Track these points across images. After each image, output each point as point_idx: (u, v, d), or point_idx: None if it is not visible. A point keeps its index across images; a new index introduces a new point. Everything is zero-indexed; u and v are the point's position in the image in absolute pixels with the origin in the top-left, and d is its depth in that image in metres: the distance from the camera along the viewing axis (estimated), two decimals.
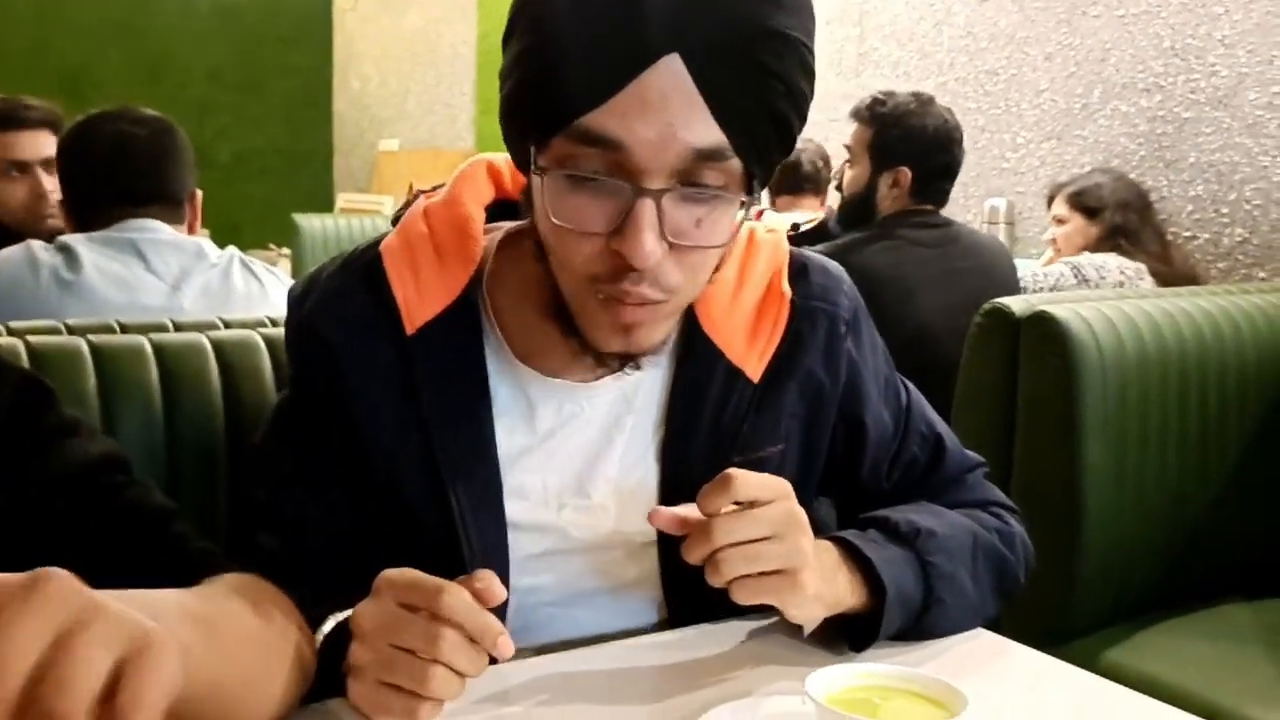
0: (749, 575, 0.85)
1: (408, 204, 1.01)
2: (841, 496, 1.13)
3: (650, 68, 0.78)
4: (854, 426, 1.08)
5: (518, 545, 0.97)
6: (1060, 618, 1.77)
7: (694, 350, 1.00)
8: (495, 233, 1.00)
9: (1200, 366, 1.87)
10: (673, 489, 0.99)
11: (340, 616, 0.84)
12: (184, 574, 0.79)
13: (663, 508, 0.89)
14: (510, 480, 0.97)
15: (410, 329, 0.94)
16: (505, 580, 0.88)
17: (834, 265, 1.09)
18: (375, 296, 0.94)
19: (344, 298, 0.96)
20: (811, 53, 0.85)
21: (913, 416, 1.12)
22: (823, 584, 0.90)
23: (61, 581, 0.49)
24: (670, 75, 0.78)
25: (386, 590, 0.76)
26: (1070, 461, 1.74)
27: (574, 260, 0.85)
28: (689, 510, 0.87)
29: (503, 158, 1.01)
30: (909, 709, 0.82)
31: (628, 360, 0.94)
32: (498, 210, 1.01)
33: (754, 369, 1.01)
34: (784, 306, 1.01)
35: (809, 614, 0.91)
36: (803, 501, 0.90)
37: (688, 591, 0.98)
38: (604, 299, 0.86)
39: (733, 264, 1.00)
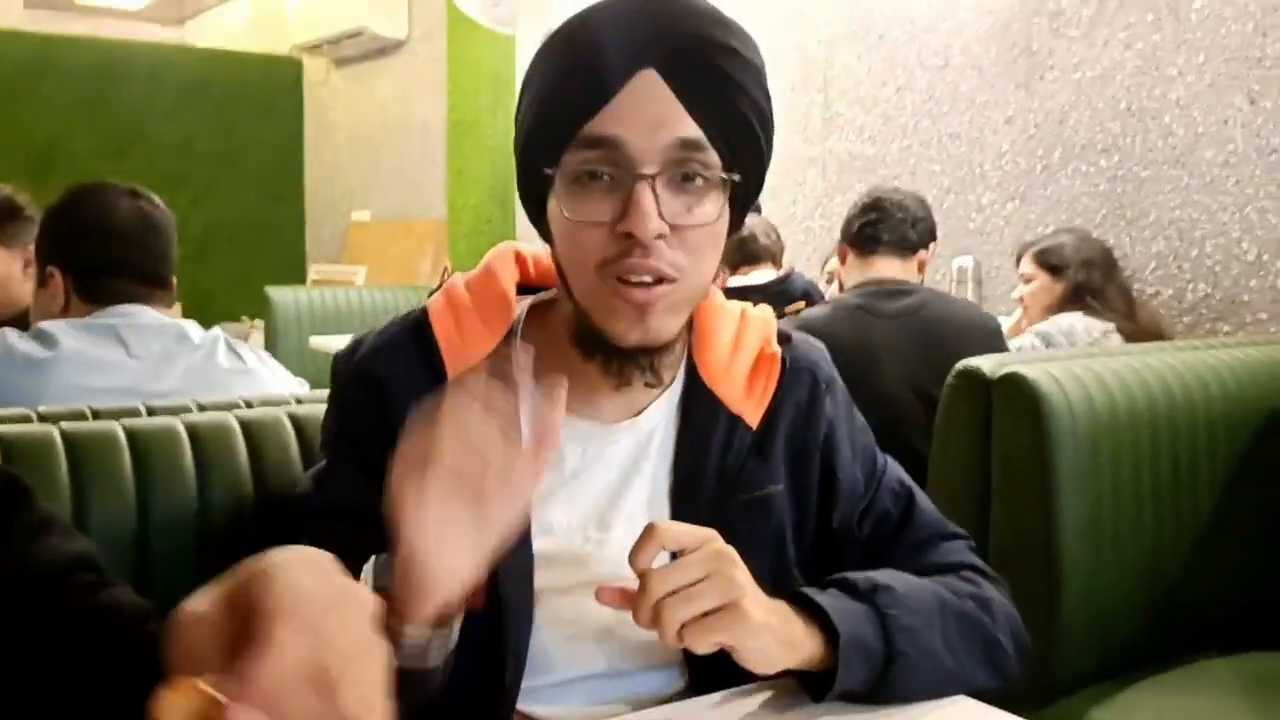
0: (694, 619, 0.90)
1: (441, 283, 1.13)
2: (815, 547, 1.16)
3: (632, 78, 0.97)
4: (827, 475, 1.16)
5: (543, 579, 1.04)
6: (1043, 677, 1.77)
7: (697, 400, 1.11)
8: (525, 300, 1.13)
9: (1170, 422, 1.89)
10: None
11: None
12: (161, 672, 0.77)
13: (605, 586, 0.93)
14: (538, 517, 1.05)
15: (452, 375, 1.04)
16: (529, 613, 1.02)
17: (814, 339, 1.22)
18: (421, 348, 1.06)
19: (393, 347, 1.07)
20: (763, 73, 1.03)
21: (887, 476, 1.20)
22: (771, 615, 0.94)
23: None
24: (650, 83, 0.97)
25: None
26: (1046, 520, 1.75)
27: (587, 251, 0.98)
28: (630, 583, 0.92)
29: (528, 248, 1.15)
30: None
31: (647, 364, 1.04)
32: (523, 292, 1.14)
33: (752, 416, 1.11)
34: (775, 363, 1.13)
35: (767, 653, 0.94)
36: (799, 542, 1.09)
37: None
38: (617, 283, 0.98)
39: (728, 330, 1.13)
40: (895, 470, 1.21)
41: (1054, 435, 1.76)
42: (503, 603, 1.00)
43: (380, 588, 0.82)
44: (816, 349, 1.20)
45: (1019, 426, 1.79)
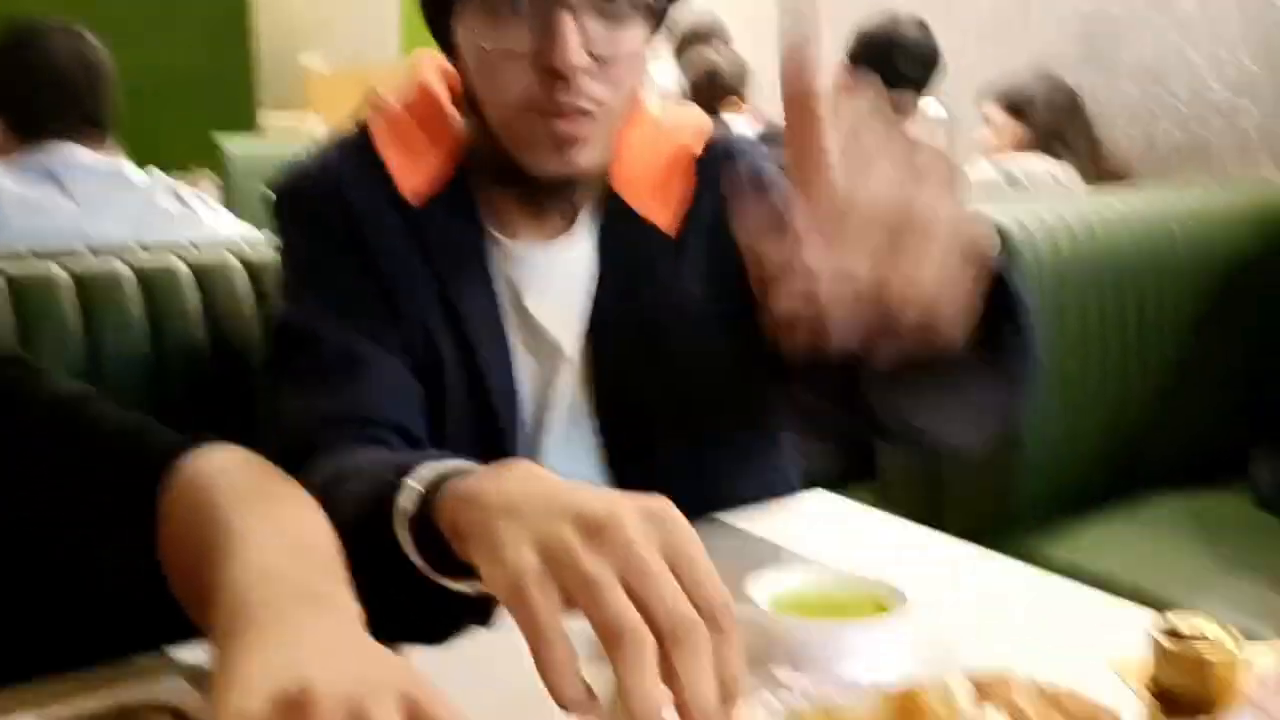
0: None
1: (368, 103, 1.09)
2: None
3: None
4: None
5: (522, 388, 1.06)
6: (1000, 515, 1.81)
7: (612, 213, 1.07)
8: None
9: (1134, 267, 1.90)
10: (597, 339, 1.07)
11: (451, 465, 0.73)
12: (111, 453, 0.79)
13: None
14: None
15: (412, 199, 1.03)
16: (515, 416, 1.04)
17: (752, 137, 1.18)
18: (372, 172, 1.03)
19: (347, 169, 1.04)
20: None
21: None
22: None
23: None
24: None
25: (658, 526, 0.60)
26: None
27: (504, 84, 0.95)
28: None
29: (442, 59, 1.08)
30: (848, 608, 0.84)
31: (566, 195, 1.03)
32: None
33: (667, 222, 1.08)
34: (691, 164, 1.09)
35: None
36: (741, 357, 1.04)
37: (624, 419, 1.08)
38: (537, 116, 0.95)
39: (647, 137, 1.09)
40: None
41: (1021, 270, 1.76)
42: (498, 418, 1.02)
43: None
44: (746, 142, 1.14)
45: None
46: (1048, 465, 1.84)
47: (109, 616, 0.82)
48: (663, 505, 0.59)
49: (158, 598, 0.77)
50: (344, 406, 0.96)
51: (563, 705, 0.55)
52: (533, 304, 1.06)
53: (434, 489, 0.70)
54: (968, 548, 1.06)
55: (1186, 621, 0.71)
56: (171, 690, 0.71)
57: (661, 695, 0.53)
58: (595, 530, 0.57)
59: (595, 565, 0.56)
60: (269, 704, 0.49)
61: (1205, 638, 0.69)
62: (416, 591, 0.71)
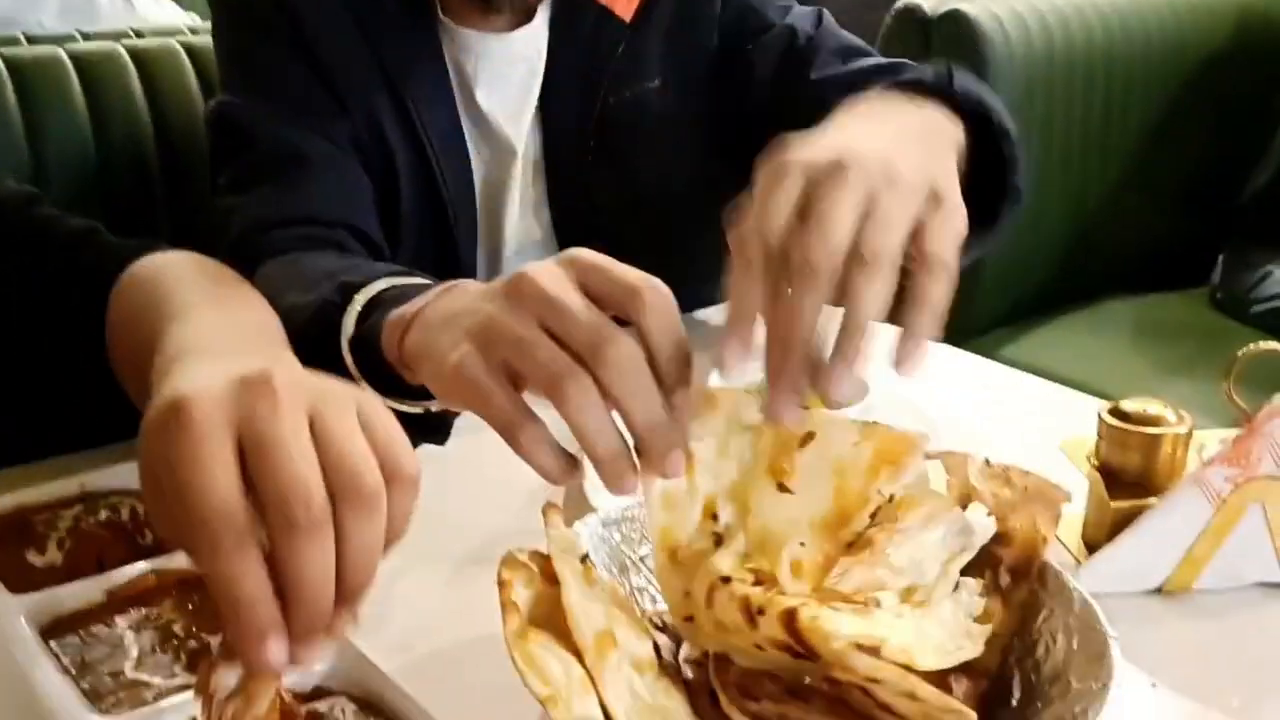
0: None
1: None
2: (717, 133, 1.09)
3: None
4: (738, 25, 1.07)
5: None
6: (959, 318, 1.81)
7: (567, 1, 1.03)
8: None
9: (1106, 65, 1.87)
10: (550, 144, 1.05)
11: (391, 282, 0.71)
12: (64, 253, 0.77)
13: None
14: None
15: None
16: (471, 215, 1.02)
17: None
18: None
19: None
20: None
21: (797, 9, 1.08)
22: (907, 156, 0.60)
23: None
24: None
25: (567, 261, 0.56)
26: None
27: None
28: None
29: None
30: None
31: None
32: None
33: (624, 7, 1.03)
34: None
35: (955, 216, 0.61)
36: (700, 145, 1.03)
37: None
38: None
39: None
40: (805, 7, 1.10)
41: (991, 75, 1.72)
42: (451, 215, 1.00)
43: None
44: None
45: (957, 65, 1.75)
46: (1007, 269, 1.85)
47: (64, 413, 0.82)
48: (571, 250, 0.57)
49: (112, 396, 0.78)
50: (286, 207, 0.92)
51: (548, 478, 0.54)
52: (483, 96, 1.03)
53: (372, 311, 0.68)
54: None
55: (1137, 404, 0.72)
56: (133, 472, 0.71)
57: (614, 428, 0.52)
58: (512, 296, 0.55)
59: (519, 326, 0.53)
60: (229, 383, 0.44)
61: (1153, 419, 0.71)
62: None
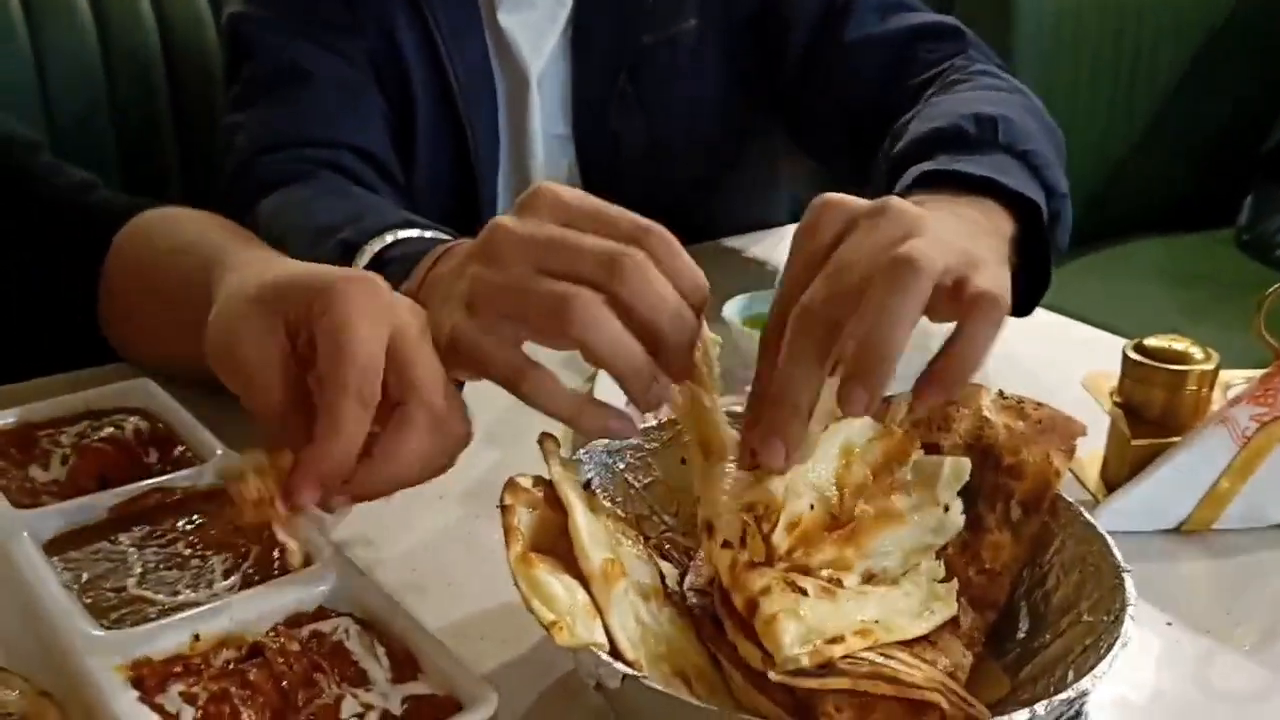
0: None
1: None
2: (754, 74, 1.05)
3: None
4: None
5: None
6: None
7: None
8: None
9: (1136, 8, 1.83)
10: (579, 78, 1.01)
11: (389, 239, 0.70)
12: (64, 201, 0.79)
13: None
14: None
15: None
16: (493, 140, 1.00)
17: None
18: None
19: None
20: None
21: None
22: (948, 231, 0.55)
23: None
24: None
25: (546, 204, 0.54)
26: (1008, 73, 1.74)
27: None
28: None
29: None
30: None
31: None
32: None
33: None
34: None
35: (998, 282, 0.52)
36: (733, 90, 0.99)
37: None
38: None
39: None
40: None
41: (1018, 14, 1.71)
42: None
43: None
44: None
45: (983, 3, 1.72)
46: None
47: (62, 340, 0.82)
48: (541, 189, 0.54)
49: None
50: (284, 127, 0.89)
51: (561, 418, 0.52)
52: (504, 16, 0.99)
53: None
54: None
55: (1162, 340, 0.70)
56: (140, 392, 0.71)
57: (632, 340, 0.50)
58: (491, 247, 0.52)
59: (507, 274, 0.51)
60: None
61: (1179, 355, 0.69)
62: None
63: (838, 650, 0.47)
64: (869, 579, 0.53)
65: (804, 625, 0.47)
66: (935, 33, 0.96)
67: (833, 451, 0.55)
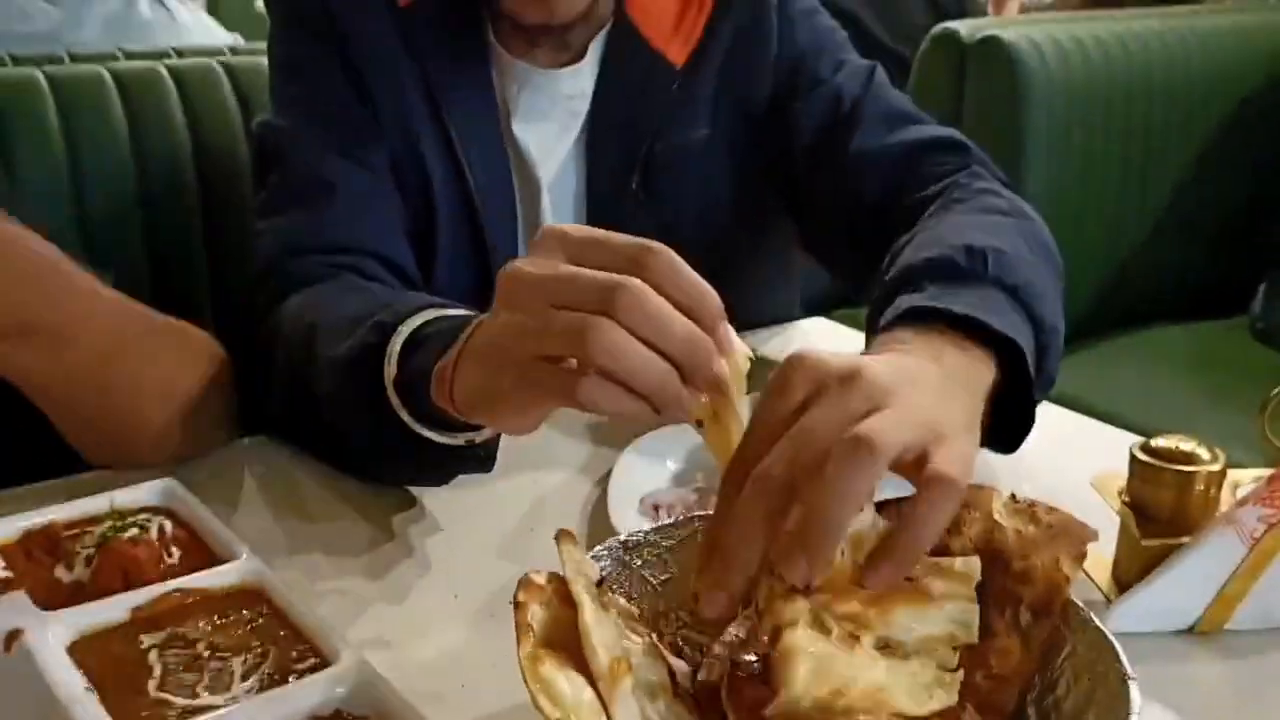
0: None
1: None
2: (759, 179, 1.07)
3: None
4: (786, 88, 1.05)
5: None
6: None
7: (620, 40, 1.02)
8: None
9: (1146, 93, 1.84)
10: (592, 182, 1.04)
11: (425, 316, 0.73)
12: None
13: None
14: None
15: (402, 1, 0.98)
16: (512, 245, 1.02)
17: None
18: None
19: None
20: None
21: (850, 64, 1.06)
22: (920, 397, 0.55)
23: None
24: None
25: (554, 243, 0.57)
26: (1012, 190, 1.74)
27: None
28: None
29: None
30: None
31: (555, 37, 1.00)
32: None
33: (677, 53, 1.02)
34: None
35: (959, 461, 0.53)
36: (744, 193, 1.01)
37: None
38: None
39: None
40: (860, 63, 1.07)
41: (1028, 101, 1.71)
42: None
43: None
44: None
45: (993, 92, 1.74)
46: None
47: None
48: (550, 228, 0.58)
49: None
50: (313, 233, 0.93)
51: (623, 416, 0.54)
52: (519, 128, 1.02)
53: (412, 352, 0.71)
54: None
55: (1170, 440, 0.71)
56: (165, 492, 0.72)
57: (650, 354, 0.53)
58: (508, 296, 0.57)
59: (525, 317, 0.55)
60: None
61: (1186, 456, 0.70)
62: (417, 442, 0.73)
63: (840, 703, 0.48)
64: (883, 647, 0.54)
65: (816, 667, 0.48)
66: (940, 146, 0.98)
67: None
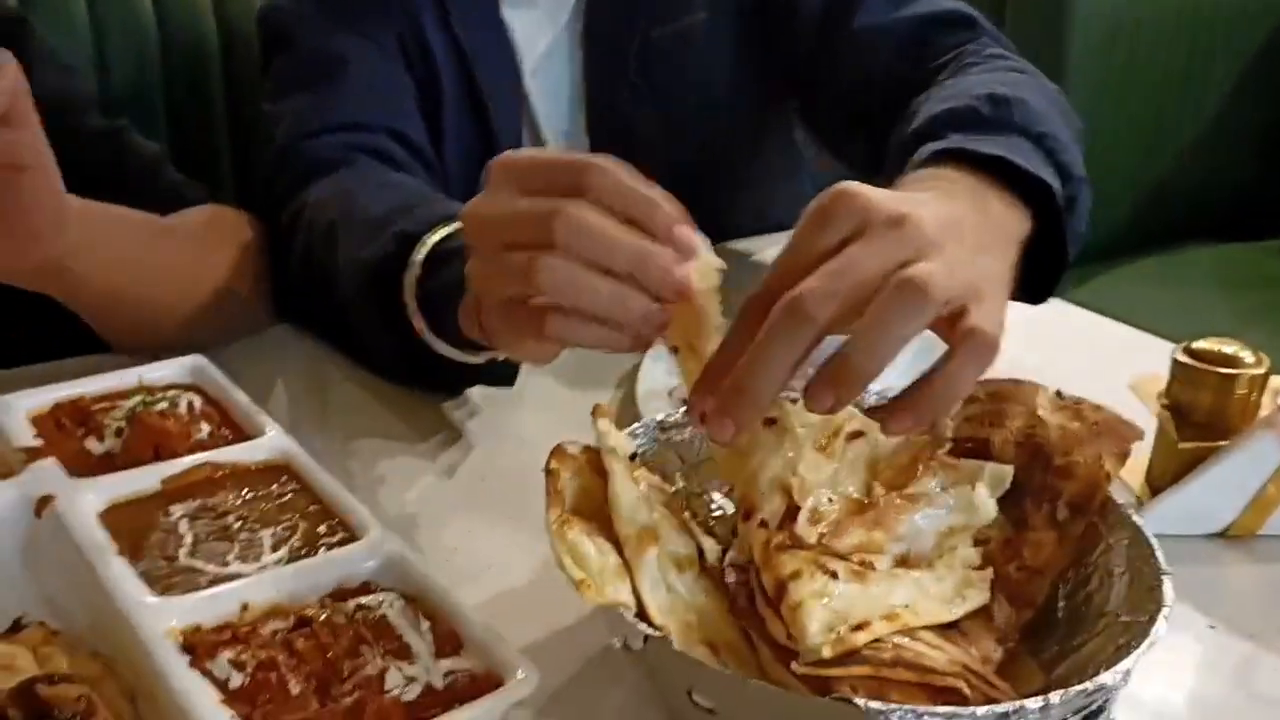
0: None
1: None
2: (763, 67, 1.03)
3: None
4: None
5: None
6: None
7: None
8: None
9: (1189, 12, 1.80)
10: (589, 73, 1.01)
11: (444, 230, 0.72)
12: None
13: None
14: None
15: None
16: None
17: None
18: None
19: None
20: None
21: None
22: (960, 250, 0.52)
23: None
24: None
25: (502, 176, 0.55)
26: None
27: None
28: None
29: None
30: None
31: None
32: None
33: None
34: None
35: (994, 320, 0.51)
36: (745, 79, 0.98)
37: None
38: None
39: None
40: None
41: (1076, 19, 1.68)
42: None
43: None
44: None
45: (1036, 11, 1.71)
46: None
47: None
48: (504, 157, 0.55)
49: None
50: (326, 113, 0.91)
51: (603, 346, 0.52)
52: (507, 12, 1.00)
53: (434, 271, 0.70)
54: None
55: (1212, 343, 0.69)
56: (193, 368, 0.72)
57: (601, 280, 0.50)
58: (471, 239, 0.55)
59: (485, 265, 0.54)
60: None
61: (1229, 359, 0.68)
62: (437, 357, 0.72)
63: (862, 637, 0.47)
64: (902, 562, 0.53)
65: (830, 612, 0.47)
66: (947, 21, 0.94)
67: (860, 469, 0.56)
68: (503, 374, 0.78)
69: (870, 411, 0.53)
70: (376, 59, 0.94)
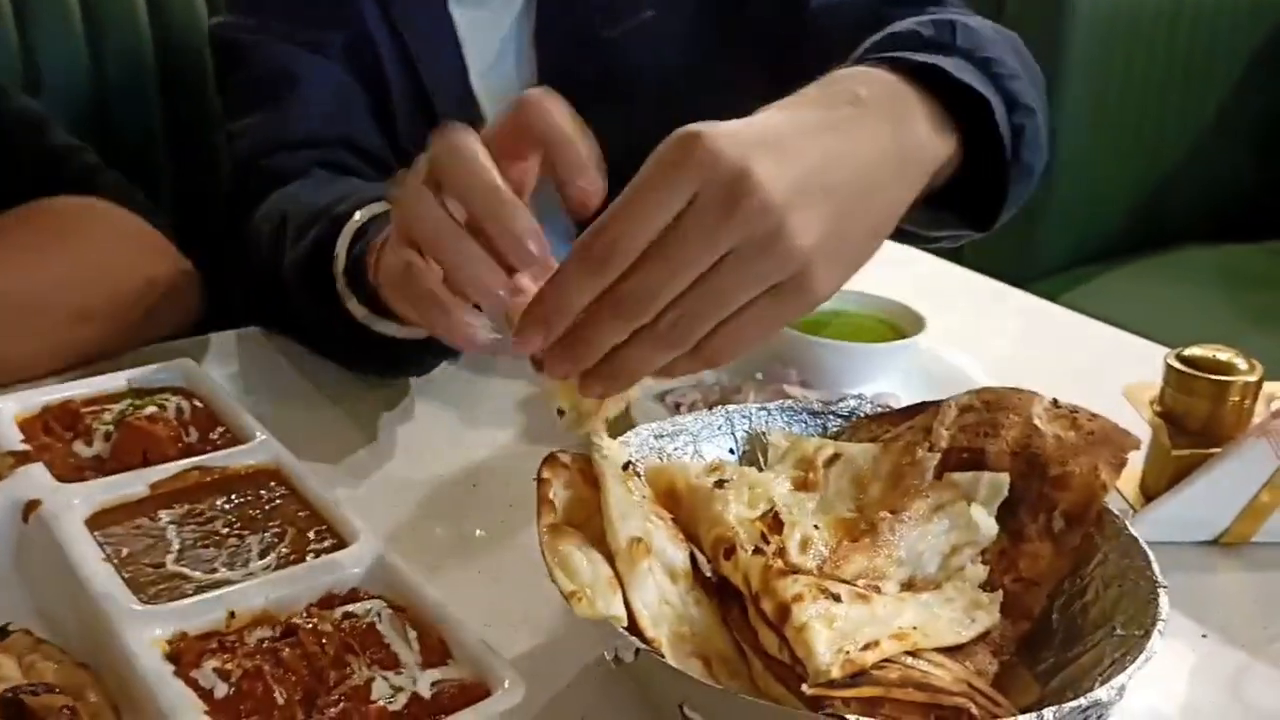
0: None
1: None
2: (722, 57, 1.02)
3: None
4: None
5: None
6: (1023, 259, 1.78)
7: None
8: None
9: (1188, 11, 1.80)
10: (544, 75, 1.01)
11: (372, 210, 0.73)
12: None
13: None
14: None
15: None
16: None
17: None
18: None
19: None
20: None
21: None
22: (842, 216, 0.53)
23: None
24: None
25: (421, 161, 0.58)
26: (1050, 102, 1.71)
27: None
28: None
29: None
30: (865, 331, 0.83)
31: None
32: None
33: None
34: None
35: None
36: (706, 71, 0.97)
37: None
38: None
39: None
40: None
41: (1075, 16, 1.68)
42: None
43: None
44: None
45: (1035, 6, 1.71)
46: (1076, 211, 1.80)
47: None
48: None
49: None
50: (282, 130, 0.92)
51: (475, 347, 0.55)
52: (455, 9, 0.99)
53: (359, 240, 0.70)
54: (990, 283, 1.05)
55: (1206, 350, 0.69)
56: (182, 372, 0.72)
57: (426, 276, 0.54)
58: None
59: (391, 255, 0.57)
60: None
61: (1222, 366, 0.68)
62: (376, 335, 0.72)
63: (871, 657, 0.47)
64: (908, 586, 0.53)
65: (835, 633, 0.47)
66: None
67: (844, 485, 0.57)
68: (446, 347, 0.78)
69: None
70: (329, 72, 0.94)
